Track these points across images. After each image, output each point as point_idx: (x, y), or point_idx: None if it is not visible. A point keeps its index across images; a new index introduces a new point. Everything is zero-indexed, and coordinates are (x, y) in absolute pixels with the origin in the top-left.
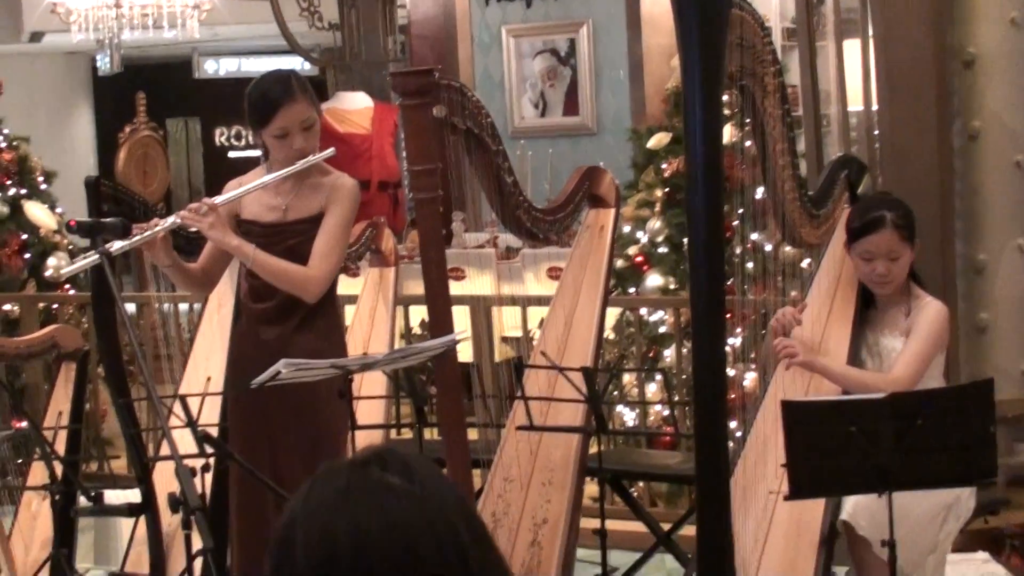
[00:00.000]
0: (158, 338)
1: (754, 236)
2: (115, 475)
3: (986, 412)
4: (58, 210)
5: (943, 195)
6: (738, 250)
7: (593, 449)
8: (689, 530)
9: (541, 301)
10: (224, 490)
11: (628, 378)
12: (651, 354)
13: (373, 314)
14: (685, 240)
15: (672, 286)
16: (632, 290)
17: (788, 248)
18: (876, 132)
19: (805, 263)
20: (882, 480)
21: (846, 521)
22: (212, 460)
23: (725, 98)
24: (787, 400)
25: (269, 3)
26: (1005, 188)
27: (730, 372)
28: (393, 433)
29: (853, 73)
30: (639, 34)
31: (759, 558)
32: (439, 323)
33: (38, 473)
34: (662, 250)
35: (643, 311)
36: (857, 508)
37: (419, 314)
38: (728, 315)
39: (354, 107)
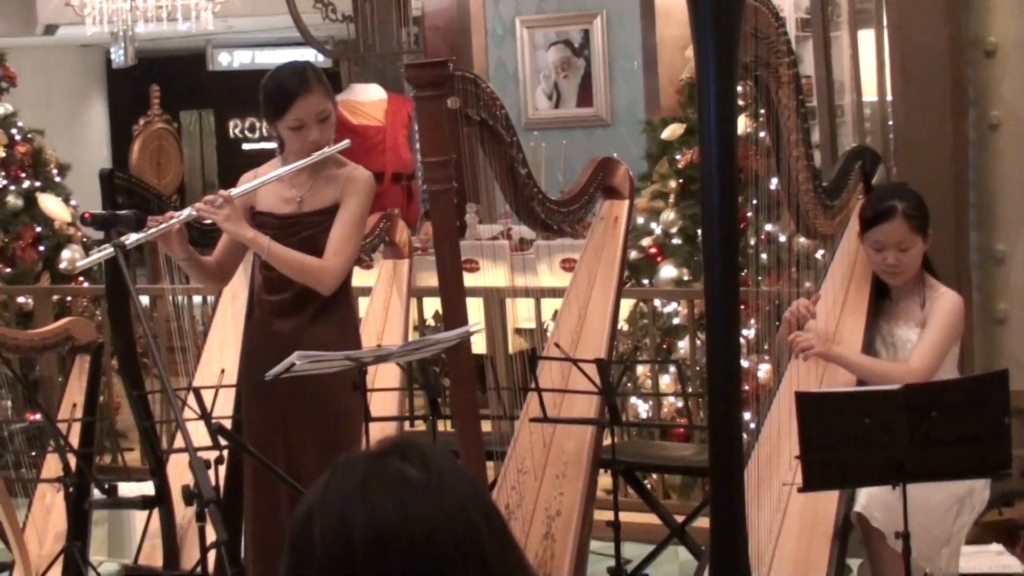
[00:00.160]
0: (172, 330)
1: (768, 227)
2: (129, 468)
3: (1001, 403)
4: (72, 203)
5: (957, 185)
6: (752, 241)
7: (607, 441)
8: (703, 522)
9: (555, 293)
10: (238, 483)
11: (642, 370)
12: (665, 346)
13: (387, 306)
14: (699, 231)
15: (686, 277)
16: (646, 282)
17: (802, 239)
18: (890, 122)
19: (819, 254)
20: (896, 472)
21: (860, 513)
22: (226, 453)
23: (739, 89)
24: (801, 392)
25: None
26: (1023, 178)
27: (744, 364)
28: (407, 425)
29: (867, 63)
30: (653, 25)
31: (773, 550)
32: (453, 315)
33: (52, 465)
34: (676, 241)
35: (657, 302)
36: (871, 500)
37: (433, 306)
38: (742, 306)
39: (368, 99)
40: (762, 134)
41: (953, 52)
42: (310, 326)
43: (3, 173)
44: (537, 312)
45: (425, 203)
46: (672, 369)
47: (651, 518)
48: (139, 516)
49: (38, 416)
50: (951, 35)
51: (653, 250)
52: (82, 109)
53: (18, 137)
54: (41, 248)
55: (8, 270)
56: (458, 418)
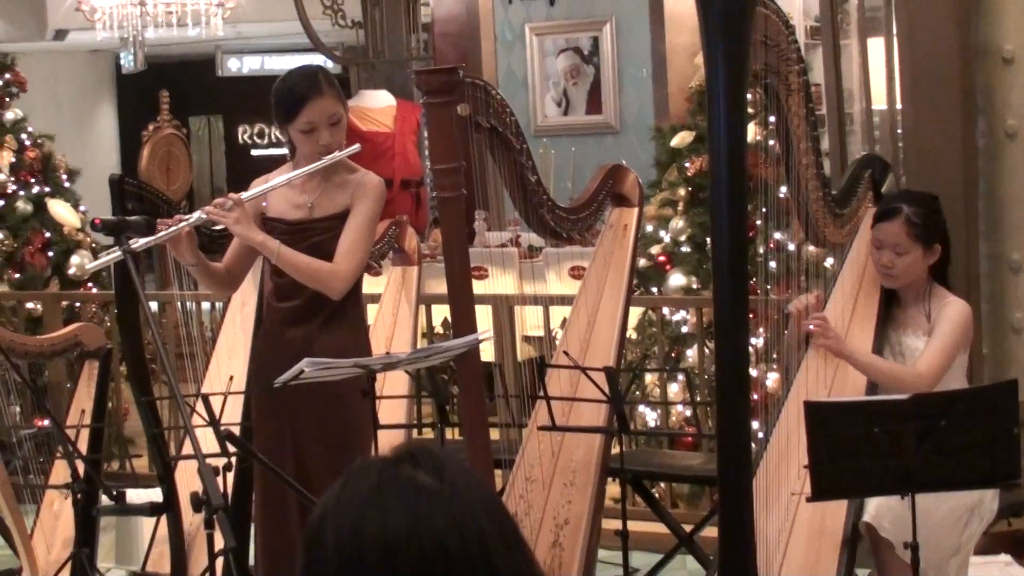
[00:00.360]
0: (181, 337)
1: (777, 235)
2: (137, 474)
3: (1010, 413)
4: (81, 208)
5: (967, 194)
6: (761, 249)
7: (615, 450)
8: (711, 531)
9: (564, 300)
10: (246, 489)
11: (650, 378)
12: (673, 354)
13: (396, 313)
14: (708, 239)
15: (695, 286)
16: (655, 290)
17: (811, 248)
18: (900, 131)
19: (828, 263)
20: (905, 481)
21: (869, 523)
22: (234, 459)
23: (749, 97)
24: (810, 401)
25: (293, 1)
26: None
27: (752, 372)
28: (415, 433)
29: (877, 71)
30: (662, 32)
31: (781, 560)
32: (462, 322)
33: (60, 472)
34: (685, 249)
35: (665, 311)
36: (880, 510)
37: (441, 313)
38: (751, 315)
39: (377, 105)
40: (771, 142)
41: (963, 60)
42: (320, 333)
43: (13, 178)
44: (546, 320)
45: (434, 210)
46: (681, 378)
47: (659, 527)
48: (147, 523)
49: (47, 422)
50: (961, 43)
51: (662, 258)
52: (91, 114)
53: (28, 142)
54: (50, 254)
55: (17, 275)
56: (466, 426)
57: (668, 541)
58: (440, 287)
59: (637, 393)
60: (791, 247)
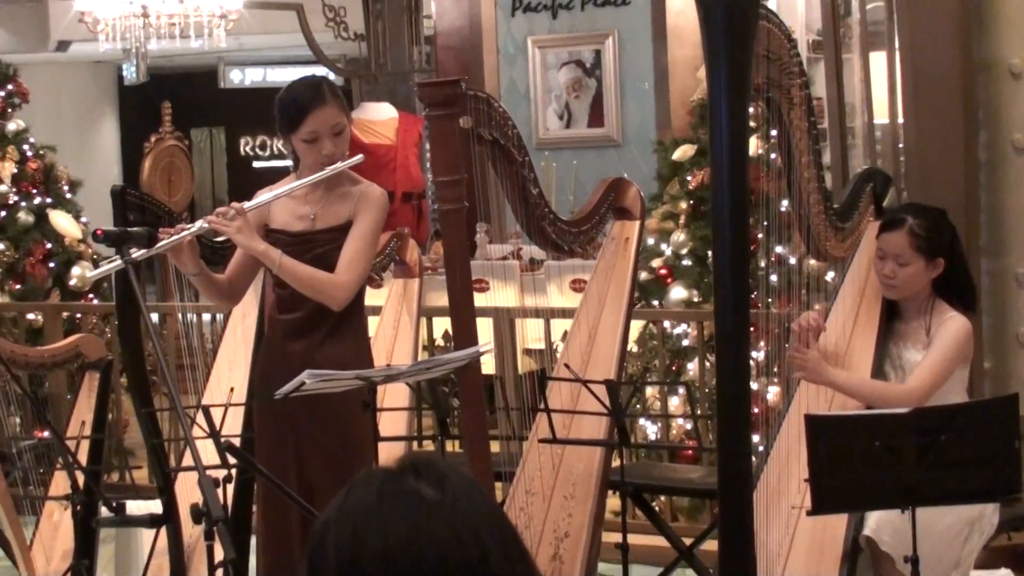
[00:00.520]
0: (181, 348)
1: (779, 249)
2: (137, 486)
3: (1010, 427)
4: (83, 219)
5: (968, 208)
6: (762, 263)
7: (615, 462)
8: (711, 545)
9: (565, 313)
10: (246, 501)
11: (651, 391)
12: (674, 367)
13: (397, 325)
14: (709, 253)
15: (696, 299)
16: (656, 303)
17: (812, 261)
18: (901, 145)
19: (829, 276)
20: (905, 495)
21: (869, 536)
22: (234, 471)
23: (751, 110)
24: (811, 414)
25: (295, 13)
26: None
27: (753, 386)
28: (415, 445)
29: (879, 85)
30: (665, 45)
31: (781, 573)
32: (463, 335)
33: (60, 483)
34: (686, 263)
35: (666, 324)
36: (880, 523)
37: (442, 325)
38: (752, 328)
39: (379, 118)
40: (773, 156)
41: (965, 75)
42: (323, 345)
43: (14, 189)
44: (547, 333)
45: (435, 222)
46: (681, 391)
47: (659, 540)
48: (146, 534)
49: (47, 433)
50: (963, 58)
51: (663, 271)
52: (94, 126)
53: (30, 153)
54: (51, 265)
55: (18, 286)
56: (467, 438)
57: (668, 554)
58: (441, 299)
59: (638, 406)
60: (792, 261)
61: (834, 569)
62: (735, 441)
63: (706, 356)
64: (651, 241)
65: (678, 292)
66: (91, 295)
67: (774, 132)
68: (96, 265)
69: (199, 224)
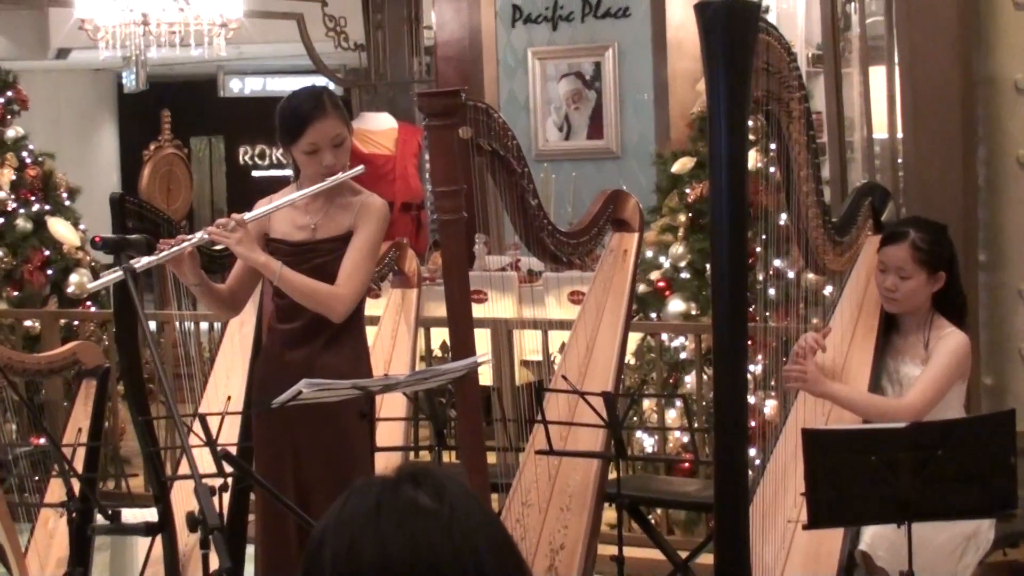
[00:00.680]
0: (179, 356)
1: (777, 262)
2: (132, 494)
3: (1007, 443)
4: (81, 227)
5: (967, 223)
6: (760, 276)
7: (612, 475)
8: (707, 558)
9: (563, 325)
10: (242, 510)
11: (648, 404)
12: (671, 380)
13: (395, 335)
14: (708, 266)
15: (694, 312)
16: (653, 315)
17: (811, 275)
18: (900, 159)
19: (827, 290)
20: (901, 510)
21: (864, 551)
22: (230, 479)
23: (750, 123)
24: (807, 428)
25: (295, 22)
26: None
27: (750, 399)
28: (411, 455)
29: (878, 100)
30: (664, 58)
31: None
32: (461, 345)
33: (55, 490)
34: (684, 275)
35: (664, 336)
36: (876, 538)
37: (440, 336)
38: (749, 342)
39: (378, 128)
40: (772, 169)
41: (964, 90)
42: (322, 355)
43: (13, 196)
44: (544, 344)
45: (434, 233)
46: (678, 404)
47: (655, 553)
48: (142, 542)
49: (43, 440)
50: (962, 73)
51: (661, 284)
52: (93, 133)
53: (29, 160)
54: (49, 272)
55: (16, 293)
56: (463, 449)
57: (664, 567)
58: (439, 310)
59: (635, 419)
60: (790, 274)
61: None
62: (732, 454)
63: (703, 369)
64: (649, 253)
65: (676, 305)
66: (89, 302)
67: (773, 146)
68: (94, 272)
69: (199, 235)
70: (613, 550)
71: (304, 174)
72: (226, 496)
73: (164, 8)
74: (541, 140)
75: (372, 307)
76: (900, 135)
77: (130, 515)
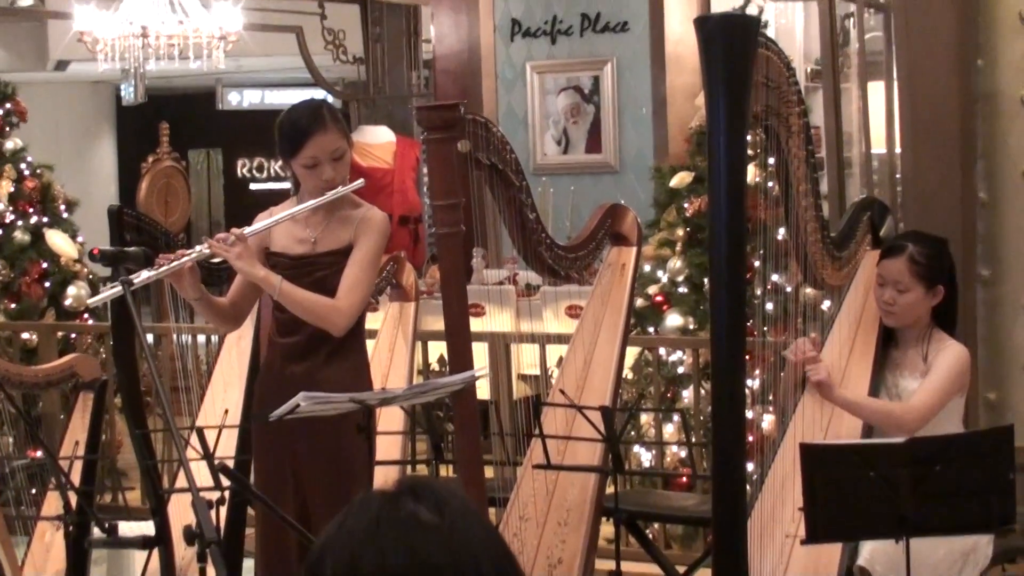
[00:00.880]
0: (176, 369)
1: (775, 277)
2: (129, 507)
3: (1005, 459)
4: (79, 239)
5: (965, 238)
6: (758, 291)
7: (609, 489)
8: (704, 573)
9: (560, 339)
10: (240, 523)
11: (645, 418)
12: (669, 394)
13: (392, 348)
14: (705, 280)
15: (692, 326)
16: (651, 330)
17: (809, 290)
18: (899, 175)
19: (825, 305)
20: (900, 525)
21: (863, 567)
22: (228, 493)
23: (748, 138)
24: (806, 443)
25: (294, 35)
26: None
27: (748, 414)
28: (409, 469)
29: (877, 115)
30: (663, 72)
31: None
32: (459, 359)
33: (52, 503)
34: (682, 290)
35: (662, 351)
36: (874, 553)
37: (437, 350)
38: (747, 357)
39: (376, 141)
40: (771, 184)
41: (963, 106)
42: (323, 369)
43: (11, 208)
44: (542, 358)
45: (432, 246)
46: (676, 418)
47: (653, 568)
48: (138, 556)
49: (40, 453)
50: (961, 88)
51: (659, 298)
52: (91, 145)
53: (27, 172)
54: (47, 284)
55: (13, 306)
56: (461, 463)
57: None
58: (437, 324)
59: (632, 433)
60: (788, 289)
61: None
62: (730, 469)
63: (701, 384)
64: (647, 268)
65: (674, 319)
66: (87, 315)
67: (772, 160)
68: (92, 285)
69: (199, 249)
70: (611, 565)
71: (304, 187)
72: (223, 509)
73: (163, 21)
74: (539, 154)
75: (370, 320)
76: (898, 150)
77: (127, 528)
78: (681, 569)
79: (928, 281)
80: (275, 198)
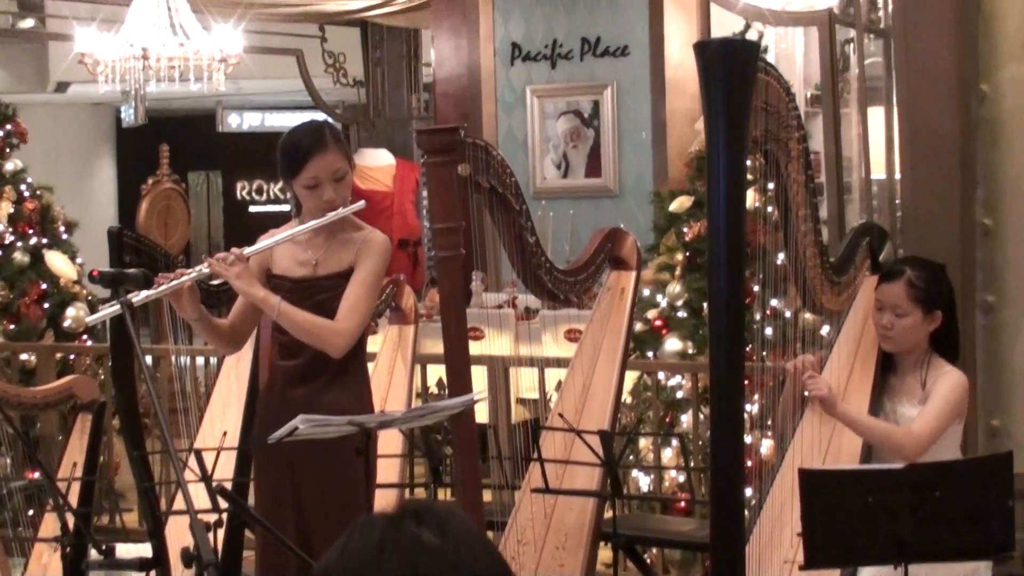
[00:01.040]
0: (175, 391)
1: (774, 302)
2: (127, 529)
3: (1004, 485)
4: (78, 260)
5: (964, 264)
6: (758, 316)
7: (608, 514)
8: None
9: (559, 363)
10: (237, 546)
11: (644, 443)
12: (668, 419)
13: (391, 371)
14: (704, 305)
15: (690, 351)
16: (650, 354)
17: (808, 315)
18: (898, 200)
19: (824, 330)
20: (898, 551)
21: None
22: (225, 515)
23: (748, 163)
24: (804, 468)
25: (295, 58)
26: None
27: (747, 439)
28: (407, 492)
29: (876, 141)
30: (663, 97)
31: None
32: (458, 382)
33: (50, 524)
34: (681, 314)
35: (661, 375)
36: None
37: (436, 373)
38: (746, 381)
39: (376, 164)
40: (770, 208)
41: (963, 131)
42: (324, 392)
43: (11, 229)
44: (541, 382)
45: (431, 270)
46: (675, 443)
47: None
48: None
49: (38, 474)
50: (961, 114)
51: (658, 323)
52: (91, 167)
53: (27, 193)
54: (46, 305)
55: (12, 327)
56: (459, 487)
57: None
58: (436, 347)
59: (631, 457)
60: (787, 314)
61: None
62: (728, 494)
63: (700, 408)
64: (646, 292)
65: (673, 344)
66: (85, 336)
67: (771, 185)
68: (91, 306)
69: (199, 268)
70: None
71: (305, 209)
72: (221, 532)
73: (164, 43)
74: (539, 178)
75: (369, 343)
76: (898, 175)
77: (124, 550)
78: None
79: (926, 305)
80: (274, 221)
